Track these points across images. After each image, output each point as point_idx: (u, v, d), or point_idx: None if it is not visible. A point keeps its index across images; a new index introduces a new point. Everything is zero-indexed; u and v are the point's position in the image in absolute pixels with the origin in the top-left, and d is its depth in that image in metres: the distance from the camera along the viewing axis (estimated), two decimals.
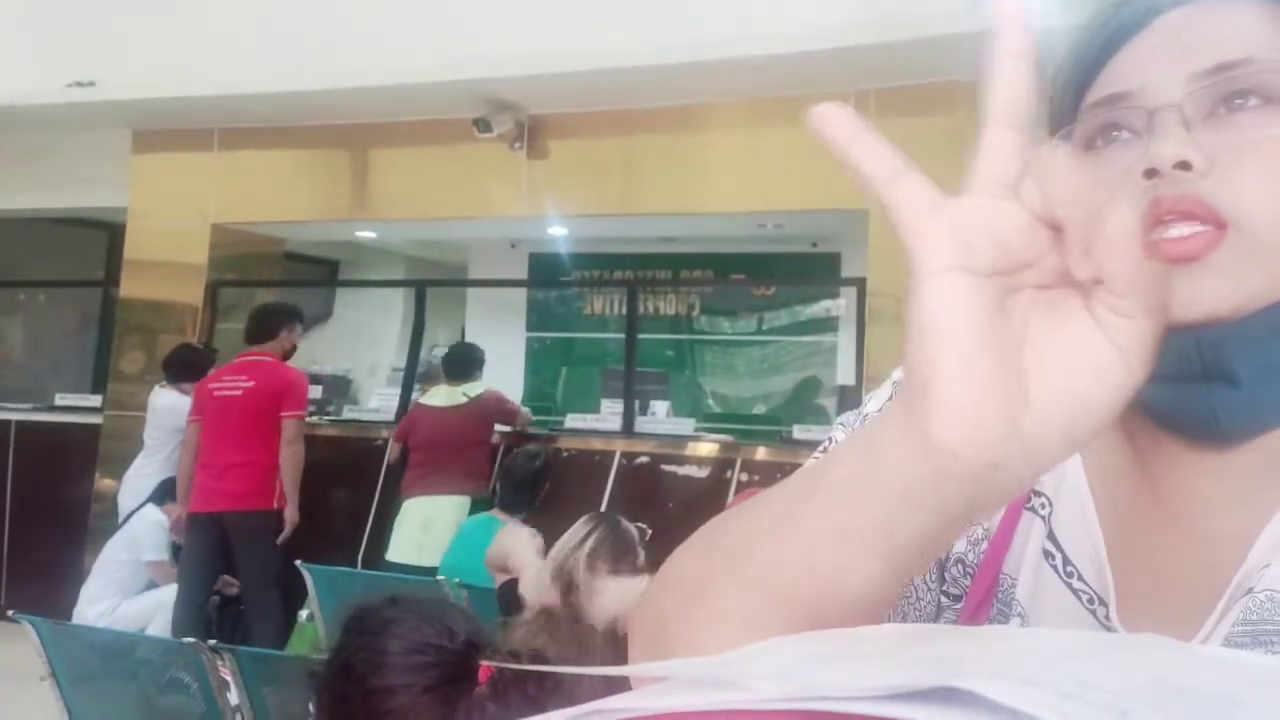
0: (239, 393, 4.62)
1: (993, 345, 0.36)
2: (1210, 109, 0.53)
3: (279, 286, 7.12)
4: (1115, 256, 0.35)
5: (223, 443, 4.58)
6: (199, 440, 4.68)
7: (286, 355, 4.85)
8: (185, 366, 5.21)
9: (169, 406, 5.16)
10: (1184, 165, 0.51)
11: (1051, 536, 0.59)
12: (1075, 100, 0.60)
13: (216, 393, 4.64)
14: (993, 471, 0.36)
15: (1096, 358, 0.36)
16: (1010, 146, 0.37)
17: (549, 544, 3.78)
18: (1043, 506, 0.60)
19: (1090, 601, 0.56)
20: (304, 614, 4.08)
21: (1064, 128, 0.59)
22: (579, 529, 2.37)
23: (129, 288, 6.30)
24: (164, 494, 4.78)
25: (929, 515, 0.39)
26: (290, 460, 4.62)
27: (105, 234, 7.58)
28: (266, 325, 4.82)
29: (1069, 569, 0.58)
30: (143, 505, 4.81)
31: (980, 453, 0.36)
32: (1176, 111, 0.52)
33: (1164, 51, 0.56)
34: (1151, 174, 0.51)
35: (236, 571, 4.64)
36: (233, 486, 4.56)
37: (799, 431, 5.12)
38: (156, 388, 5.32)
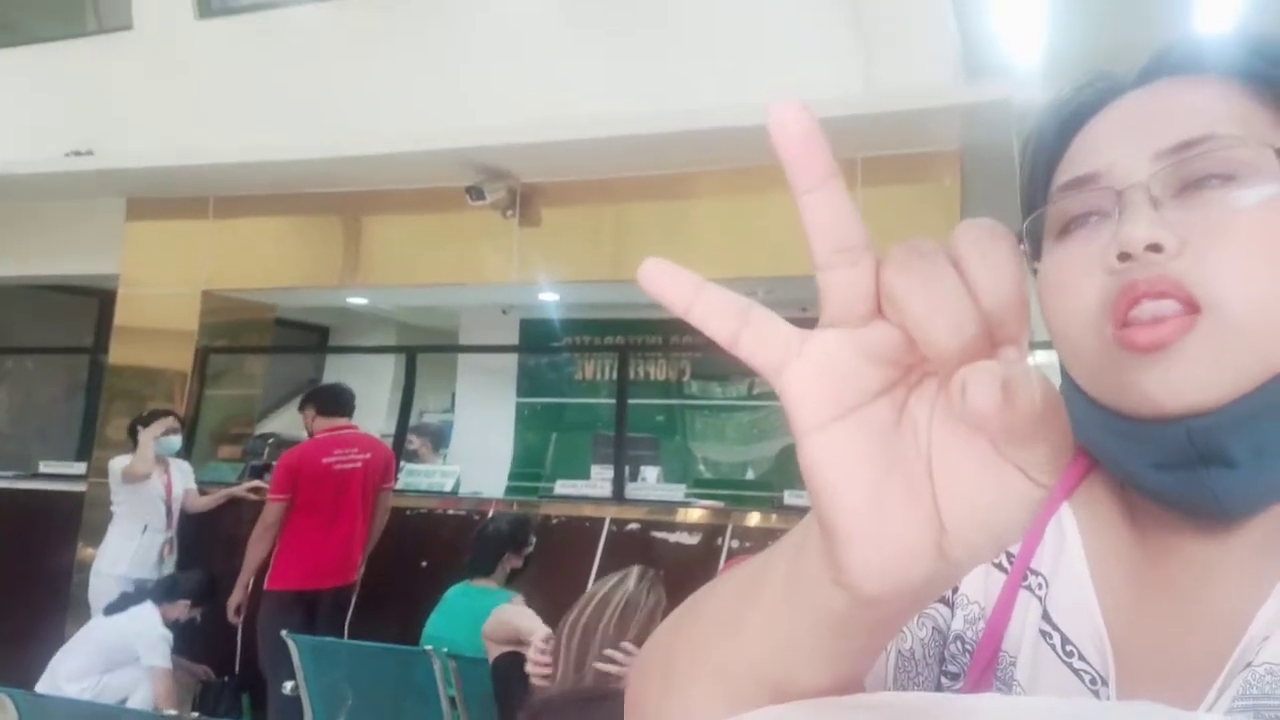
0: (359, 465, 4.78)
1: (895, 483, 0.33)
2: (1178, 186, 0.53)
3: (270, 353, 7.12)
4: (990, 423, 0.31)
5: (346, 515, 4.73)
6: (296, 515, 4.65)
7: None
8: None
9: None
10: (1155, 248, 0.51)
11: (1047, 617, 0.58)
12: (1045, 180, 0.61)
13: (336, 467, 4.72)
14: (915, 595, 0.35)
15: (1000, 479, 0.33)
16: (850, 279, 0.33)
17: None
18: (1039, 586, 0.59)
19: (1093, 682, 0.55)
20: (289, 686, 4.00)
21: (1036, 209, 0.60)
22: (635, 583, 2.33)
23: (118, 354, 6.29)
24: (164, 593, 4.62)
25: (858, 638, 0.38)
26: (379, 528, 4.93)
27: (95, 301, 7.60)
28: (350, 400, 5.02)
29: (1068, 648, 0.57)
30: (140, 599, 4.59)
31: (900, 586, 0.34)
32: (1144, 191, 0.53)
33: (1126, 130, 0.56)
34: (1124, 257, 0.52)
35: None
36: (347, 559, 4.75)
37: (790, 497, 5.08)
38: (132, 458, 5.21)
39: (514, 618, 3.11)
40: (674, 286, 0.34)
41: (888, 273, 0.33)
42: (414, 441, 6.87)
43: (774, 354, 0.34)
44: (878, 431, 0.33)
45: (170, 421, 5.33)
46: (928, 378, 0.34)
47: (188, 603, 4.65)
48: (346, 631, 4.83)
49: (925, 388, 0.34)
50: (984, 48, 4.58)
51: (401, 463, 5.94)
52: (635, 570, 2.36)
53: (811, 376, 0.33)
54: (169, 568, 5.21)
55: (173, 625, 4.56)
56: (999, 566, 0.61)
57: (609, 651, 2.12)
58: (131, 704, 4.31)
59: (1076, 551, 0.59)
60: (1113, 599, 0.57)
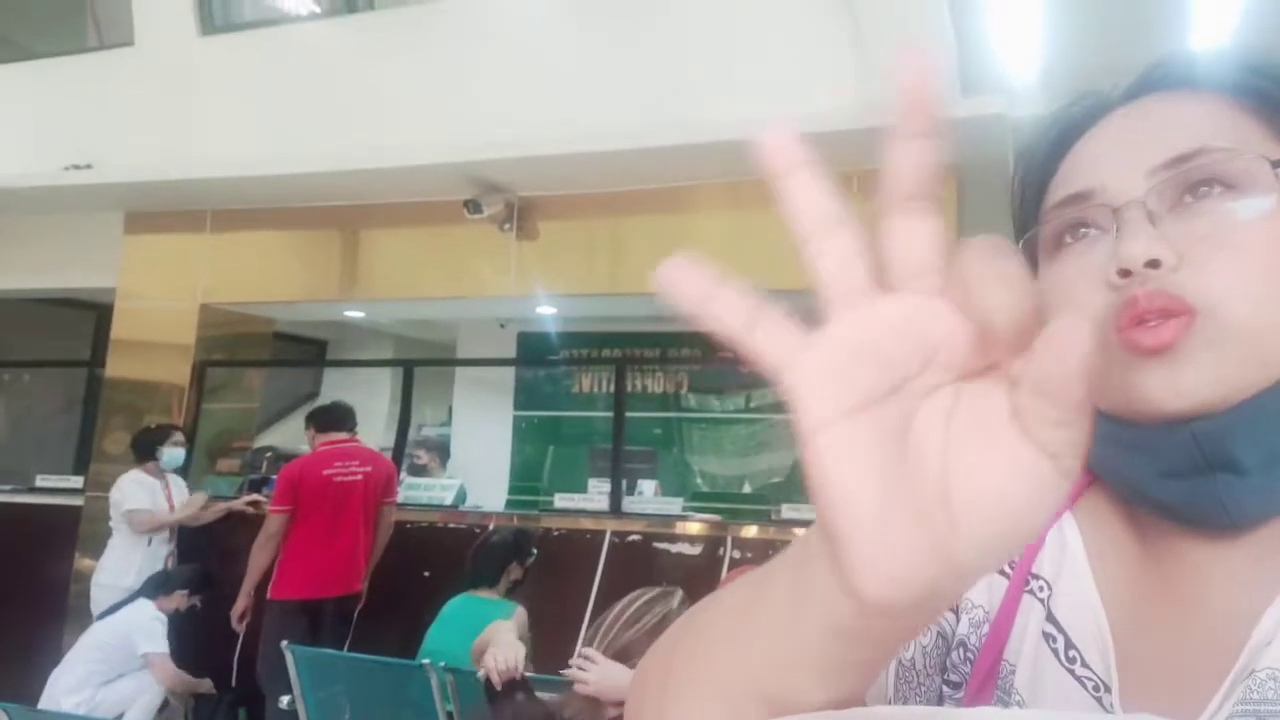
0: (360, 478, 4.86)
1: (904, 486, 0.32)
2: (1174, 200, 0.54)
3: (267, 366, 7.12)
4: (1063, 379, 0.30)
5: (348, 526, 4.80)
6: (298, 526, 4.72)
7: None
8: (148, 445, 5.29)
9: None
10: (1154, 263, 0.51)
11: (1051, 618, 0.58)
12: (1036, 198, 0.61)
13: (337, 479, 4.79)
14: (925, 604, 0.33)
15: (1028, 471, 0.32)
16: (838, 246, 0.35)
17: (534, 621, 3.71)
18: (1041, 590, 0.59)
19: (1095, 689, 0.55)
20: (284, 700, 3.98)
21: (1029, 229, 0.60)
22: (678, 604, 2.31)
23: (115, 368, 6.28)
24: (156, 588, 4.67)
25: (866, 649, 0.37)
26: (382, 543, 5.00)
27: (93, 314, 7.59)
28: (346, 415, 5.06)
29: (1071, 653, 0.56)
30: (134, 598, 4.64)
31: (909, 595, 0.32)
32: (1140, 208, 0.53)
33: (1119, 147, 0.57)
34: (1124, 273, 0.52)
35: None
36: (350, 570, 4.81)
37: (788, 510, 5.08)
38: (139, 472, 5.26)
39: (493, 636, 3.08)
40: (690, 288, 0.36)
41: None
42: (422, 456, 6.89)
43: (784, 349, 0.34)
44: (886, 432, 0.33)
45: (175, 435, 5.37)
46: (940, 389, 0.34)
47: (185, 592, 4.68)
48: (350, 642, 4.83)
49: (940, 396, 0.34)
50: (980, 62, 4.60)
51: (403, 475, 5.93)
52: (679, 593, 2.35)
53: (821, 370, 0.33)
54: None
55: (172, 617, 4.60)
56: (1001, 573, 0.61)
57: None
58: (128, 719, 4.30)
59: (1079, 555, 0.59)
60: (1116, 603, 0.57)
